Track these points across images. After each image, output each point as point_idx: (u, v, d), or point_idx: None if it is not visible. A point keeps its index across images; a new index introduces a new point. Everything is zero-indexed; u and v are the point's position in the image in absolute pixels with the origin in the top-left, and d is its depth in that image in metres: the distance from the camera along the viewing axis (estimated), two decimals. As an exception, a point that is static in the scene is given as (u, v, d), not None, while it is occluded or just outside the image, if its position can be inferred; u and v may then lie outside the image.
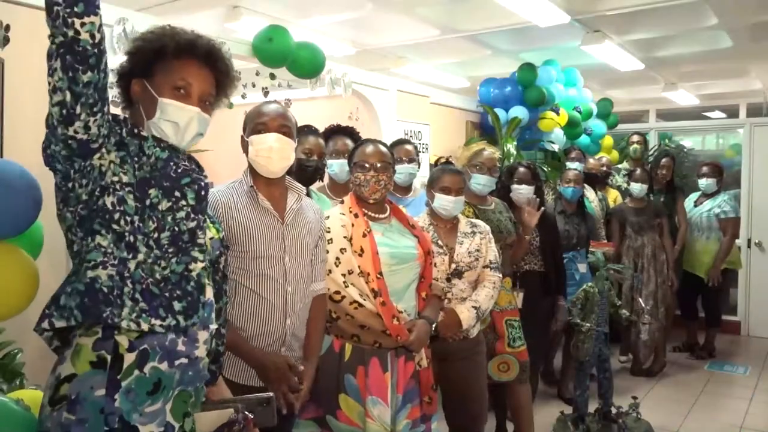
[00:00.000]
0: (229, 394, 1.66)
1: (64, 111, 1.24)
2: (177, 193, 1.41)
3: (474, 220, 2.83)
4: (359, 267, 2.16)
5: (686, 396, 4.44)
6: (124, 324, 1.30)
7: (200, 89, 1.47)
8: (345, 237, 2.19)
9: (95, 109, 1.27)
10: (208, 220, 1.53)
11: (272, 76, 3.70)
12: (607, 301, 3.51)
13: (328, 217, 2.25)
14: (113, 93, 1.46)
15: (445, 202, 2.67)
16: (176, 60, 1.44)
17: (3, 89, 2.43)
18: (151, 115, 1.43)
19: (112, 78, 1.42)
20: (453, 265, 2.65)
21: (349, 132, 3.03)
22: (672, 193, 5.16)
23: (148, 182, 1.37)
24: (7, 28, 2.42)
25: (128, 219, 1.34)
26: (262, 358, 1.85)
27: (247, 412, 1.52)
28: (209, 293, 1.47)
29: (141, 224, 1.35)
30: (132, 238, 1.34)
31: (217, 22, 3.45)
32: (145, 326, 1.32)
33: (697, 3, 3.48)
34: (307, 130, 2.63)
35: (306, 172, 2.54)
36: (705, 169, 5.24)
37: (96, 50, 1.23)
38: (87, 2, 1.20)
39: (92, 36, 1.22)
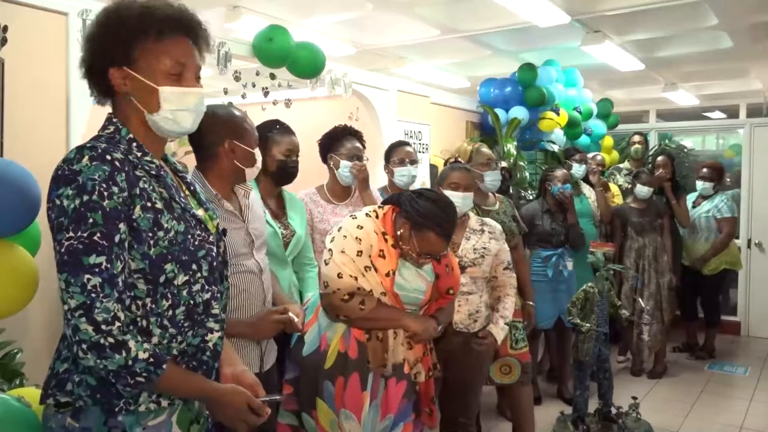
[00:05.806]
0: (239, 362, 1.57)
1: None
2: (194, 266, 1.35)
3: (485, 219, 2.83)
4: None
5: (686, 396, 4.44)
6: (142, 408, 1.29)
7: (194, 66, 1.36)
8: (369, 256, 2.10)
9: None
10: (204, 210, 1.47)
11: (272, 76, 3.69)
12: (607, 301, 3.51)
13: (361, 227, 2.12)
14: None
15: (454, 199, 2.67)
16: (159, 41, 1.31)
17: (3, 89, 2.42)
18: (153, 107, 1.31)
19: (80, 72, 1.35)
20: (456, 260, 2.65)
21: (356, 133, 2.97)
22: (674, 192, 5.15)
23: (164, 258, 1.29)
24: (5, 29, 2.40)
25: (139, 303, 1.29)
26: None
27: None
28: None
29: (153, 305, 1.30)
30: (144, 323, 1.29)
31: (217, 22, 3.44)
32: (165, 403, 1.32)
33: (697, 3, 3.48)
34: (281, 128, 2.49)
35: (287, 172, 2.47)
36: (704, 171, 5.24)
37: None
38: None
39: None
